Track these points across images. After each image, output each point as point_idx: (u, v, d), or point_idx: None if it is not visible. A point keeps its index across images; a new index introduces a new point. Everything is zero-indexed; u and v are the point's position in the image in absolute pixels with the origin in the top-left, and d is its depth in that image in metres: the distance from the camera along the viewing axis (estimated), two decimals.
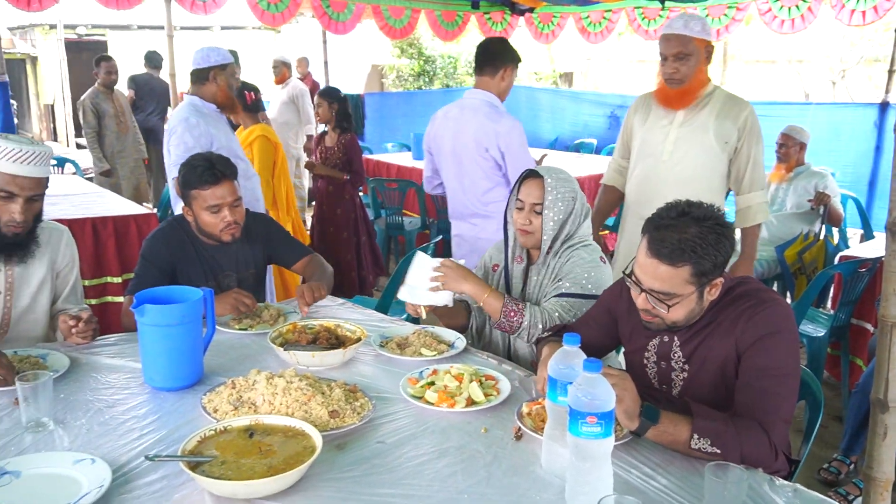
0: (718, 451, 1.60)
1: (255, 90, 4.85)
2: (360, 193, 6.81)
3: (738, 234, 3.24)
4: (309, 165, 5.45)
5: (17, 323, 2.38)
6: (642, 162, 3.27)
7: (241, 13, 7.68)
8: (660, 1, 7.40)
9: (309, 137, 7.67)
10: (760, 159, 3.17)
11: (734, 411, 1.73)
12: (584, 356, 1.52)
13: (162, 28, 7.29)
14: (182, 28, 13.60)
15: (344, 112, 5.35)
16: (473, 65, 3.52)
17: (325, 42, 8.36)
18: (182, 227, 2.66)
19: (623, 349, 2.11)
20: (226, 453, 1.58)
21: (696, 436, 1.61)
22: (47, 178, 2.28)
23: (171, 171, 3.43)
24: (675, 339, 1.86)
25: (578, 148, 8.10)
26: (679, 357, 1.86)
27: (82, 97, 6.83)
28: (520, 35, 9.34)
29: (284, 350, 2.16)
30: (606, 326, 2.09)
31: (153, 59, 7.93)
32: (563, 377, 1.56)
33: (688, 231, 1.70)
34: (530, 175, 2.40)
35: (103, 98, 6.79)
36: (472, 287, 2.30)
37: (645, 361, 1.95)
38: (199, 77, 3.57)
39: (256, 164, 4.42)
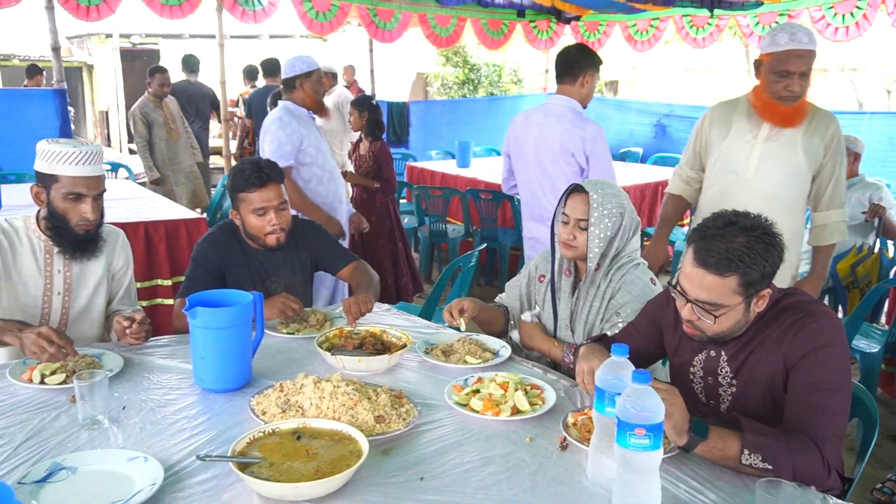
0: (770, 467, 1.57)
1: None
2: (403, 200, 6.86)
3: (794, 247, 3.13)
4: (343, 174, 5.46)
5: (74, 323, 2.45)
6: (723, 178, 3.08)
7: (289, 22, 7.84)
8: (709, 9, 7.30)
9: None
10: (843, 176, 3.03)
11: (784, 427, 1.70)
12: (633, 367, 1.51)
13: (212, 37, 7.49)
14: (232, 37, 13.90)
15: (375, 120, 5.35)
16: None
17: (371, 50, 8.47)
18: (232, 232, 2.71)
19: (668, 362, 2.08)
20: (274, 455, 1.60)
21: (746, 451, 1.58)
22: (104, 175, 2.38)
23: None
24: (723, 353, 1.83)
25: (624, 157, 8.03)
26: (727, 372, 1.83)
27: (133, 107, 6.93)
28: (565, 43, 9.33)
29: (331, 354, 2.19)
30: (650, 337, 2.07)
31: (190, 63, 7.91)
32: (610, 388, 1.55)
33: (735, 240, 1.68)
34: (576, 189, 2.36)
35: (153, 107, 6.87)
36: (539, 344, 2.41)
37: (691, 376, 1.92)
38: (288, 85, 3.88)
39: None
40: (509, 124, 3.72)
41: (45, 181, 2.29)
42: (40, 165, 2.29)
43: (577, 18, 8.88)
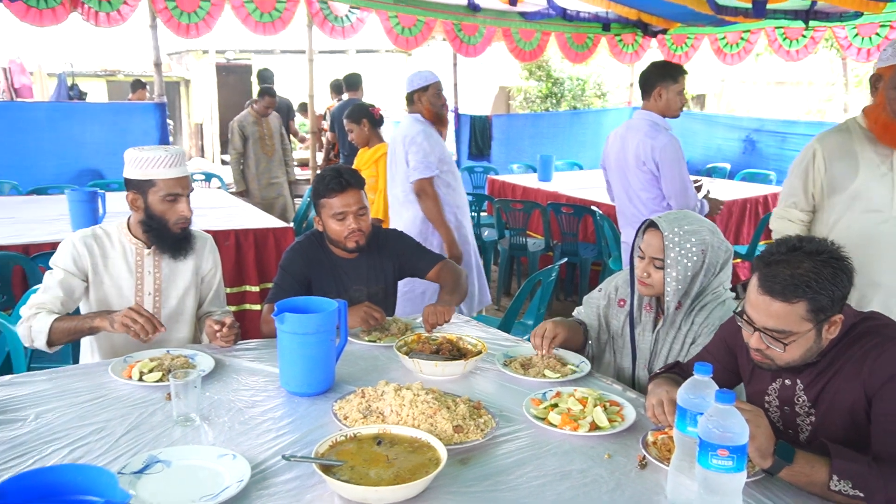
0: (861, 495, 1.51)
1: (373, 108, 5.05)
2: (484, 213, 6.88)
3: None
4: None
5: (166, 323, 2.57)
6: (861, 217, 2.70)
7: (375, 37, 8.02)
8: (803, 21, 7.06)
9: None
10: None
11: (872, 457, 1.62)
12: (716, 387, 1.48)
13: (302, 52, 7.74)
14: (320, 52, 14.31)
15: None
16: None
17: (455, 65, 8.56)
18: (318, 241, 2.80)
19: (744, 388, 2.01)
20: (355, 459, 1.65)
21: (835, 477, 1.52)
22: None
23: (412, 175, 3.99)
24: (798, 381, 1.76)
25: (710, 172, 7.82)
26: (804, 401, 1.76)
27: (234, 119, 7.07)
28: (651, 57, 9.19)
29: (408, 357, 2.24)
30: (725, 362, 1.99)
31: (265, 77, 8.08)
32: (692, 407, 1.52)
33: (801, 266, 1.61)
34: (653, 224, 2.25)
35: (252, 122, 7.00)
36: None
37: (766, 405, 1.85)
38: (409, 100, 4.16)
39: (382, 180, 4.62)
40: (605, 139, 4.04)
41: (140, 187, 2.43)
42: (134, 173, 2.42)
43: (664, 31, 8.74)
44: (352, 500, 1.54)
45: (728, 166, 7.95)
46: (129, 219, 2.55)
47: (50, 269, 2.46)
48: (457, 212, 4.17)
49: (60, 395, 2.05)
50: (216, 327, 2.41)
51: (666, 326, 2.29)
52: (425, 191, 3.99)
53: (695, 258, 2.18)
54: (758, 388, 1.87)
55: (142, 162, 2.40)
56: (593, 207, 5.44)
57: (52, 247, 2.80)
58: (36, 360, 3.07)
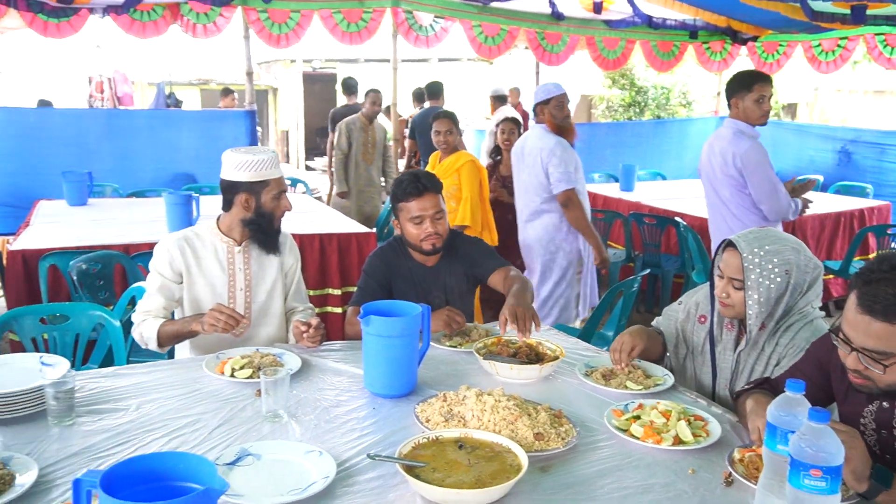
0: None
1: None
2: None
3: None
4: (496, 190, 5.26)
5: (257, 319, 2.68)
6: None
7: (457, 45, 8.10)
8: None
9: None
10: None
11: None
12: (809, 404, 1.44)
13: (386, 61, 7.89)
14: (403, 61, 14.54)
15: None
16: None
17: (537, 73, 8.54)
18: (400, 247, 2.84)
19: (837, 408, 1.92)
20: (437, 461, 1.67)
21: None
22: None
23: (557, 186, 4.21)
24: None
25: None
26: None
27: (342, 122, 7.07)
28: (740, 65, 8.94)
29: (485, 360, 2.27)
30: (816, 381, 1.89)
31: (350, 86, 8.12)
32: (784, 425, 1.48)
33: None
34: (731, 243, 2.16)
35: (359, 127, 7.01)
36: None
37: (862, 427, 1.77)
38: (535, 112, 4.38)
39: (466, 188, 4.65)
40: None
41: (253, 188, 2.55)
42: (247, 175, 2.53)
43: (755, 39, 8.50)
44: (433, 502, 1.56)
45: (821, 178, 7.64)
46: (218, 219, 2.66)
47: (149, 272, 2.62)
48: (591, 220, 4.43)
49: (158, 388, 2.16)
50: (303, 328, 2.49)
51: (748, 348, 2.20)
52: (572, 200, 4.21)
53: (778, 279, 2.08)
54: (852, 410, 1.80)
55: (255, 165, 2.53)
56: (677, 218, 5.33)
57: (150, 247, 2.96)
58: (134, 353, 3.23)
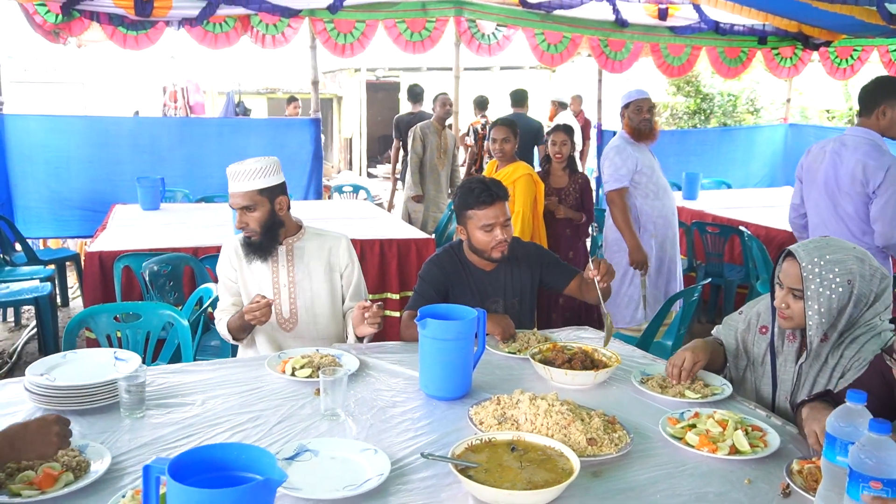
0: None
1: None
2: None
3: None
4: (553, 205, 4.90)
5: (305, 315, 2.78)
6: None
7: (519, 53, 8.11)
8: None
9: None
10: None
11: None
12: (870, 415, 1.41)
13: (449, 69, 7.95)
14: (465, 69, 14.61)
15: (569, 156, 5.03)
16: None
17: (600, 81, 8.48)
18: (457, 253, 2.88)
19: None
20: (489, 463, 1.70)
21: None
22: (258, 190, 2.66)
23: (605, 186, 4.48)
24: None
25: (875, 192, 7.26)
26: None
27: (417, 126, 7.08)
28: (812, 71, 8.69)
29: (541, 365, 2.29)
30: (880, 394, 1.83)
31: (414, 94, 8.12)
32: (843, 435, 1.45)
33: None
34: (791, 253, 2.10)
35: (433, 131, 7.03)
36: None
37: None
38: (620, 115, 4.61)
39: (519, 202, 4.56)
40: (803, 153, 3.84)
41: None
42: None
43: (827, 44, 8.24)
44: (484, 502, 1.59)
45: None
46: None
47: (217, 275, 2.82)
48: (658, 221, 4.54)
49: (223, 385, 2.25)
50: (362, 310, 2.55)
51: (810, 360, 2.14)
52: (613, 201, 4.43)
53: (840, 289, 2.02)
54: None
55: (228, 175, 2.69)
56: (741, 227, 5.22)
57: (217, 249, 3.09)
58: (201, 352, 3.36)
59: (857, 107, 3.68)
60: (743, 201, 6.55)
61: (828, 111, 13.88)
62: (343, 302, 2.87)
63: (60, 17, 6.05)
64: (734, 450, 1.82)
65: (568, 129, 4.97)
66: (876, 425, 1.32)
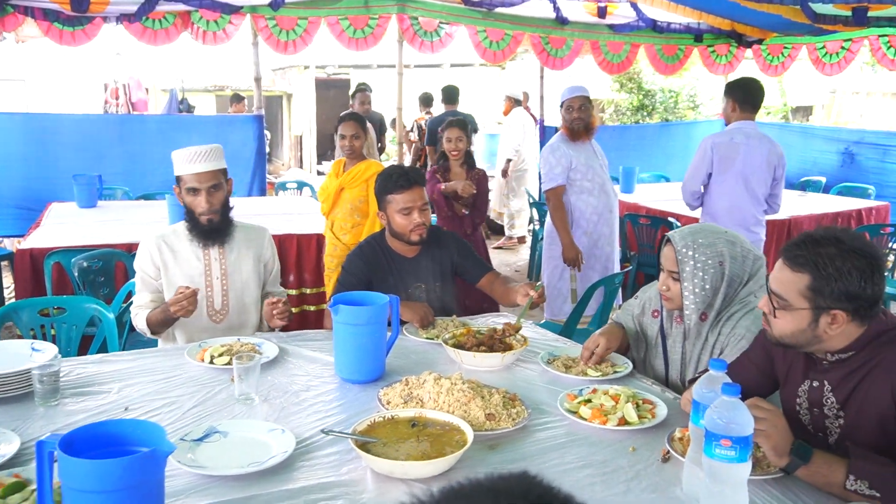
0: (878, 495, 1.51)
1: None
2: None
3: None
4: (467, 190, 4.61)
5: (235, 306, 2.83)
6: None
7: (469, 51, 8.20)
8: None
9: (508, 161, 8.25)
10: None
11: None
12: (728, 380, 1.53)
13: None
14: (416, 66, 14.65)
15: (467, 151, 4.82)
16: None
17: (542, 77, 8.62)
18: (379, 242, 2.96)
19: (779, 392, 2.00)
20: (388, 437, 1.78)
21: (852, 477, 1.53)
22: (223, 169, 2.74)
23: (543, 185, 4.62)
24: (826, 383, 1.77)
25: (804, 186, 7.55)
26: (832, 403, 1.76)
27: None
28: (746, 68, 8.96)
29: (452, 348, 2.38)
30: (763, 366, 2.00)
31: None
32: (706, 401, 1.57)
33: (823, 246, 1.66)
34: (669, 239, 2.26)
35: None
36: None
37: (797, 406, 1.86)
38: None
39: (375, 202, 4.29)
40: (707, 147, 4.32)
41: (177, 181, 2.76)
42: (174, 169, 2.75)
43: (760, 42, 8.52)
44: (381, 473, 1.67)
45: (823, 179, 7.65)
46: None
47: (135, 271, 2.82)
48: (592, 217, 4.62)
49: (141, 373, 2.30)
50: (270, 307, 2.66)
51: (692, 339, 2.28)
52: (549, 200, 4.56)
53: (712, 270, 2.17)
54: (790, 390, 1.89)
55: (176, 159, 2.73)
56: (670, 219, 5.40)
57: None
58: (131, 347, 3.36)
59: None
60: (677, 194, 6.72)
61: (765, 107, 14.30)
62: (264, 287, 2.94)
63: None
64: (623, 421, 1.93)
65: (462, 124, 4.73)
66: (727, 388, 1.44)
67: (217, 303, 2.81)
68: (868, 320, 1.69)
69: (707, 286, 2.17)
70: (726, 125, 4.32)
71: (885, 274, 1.73)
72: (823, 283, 1.64)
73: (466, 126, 4.80)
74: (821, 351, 1.76)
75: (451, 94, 7.88)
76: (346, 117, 4.53)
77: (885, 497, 1.50)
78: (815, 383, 1.79)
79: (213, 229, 2.75)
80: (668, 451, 1.78)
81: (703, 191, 4.36)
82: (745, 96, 4.22)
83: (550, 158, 4.55)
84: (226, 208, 2.79)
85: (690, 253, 2.18)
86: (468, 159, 4.74)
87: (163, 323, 2.69)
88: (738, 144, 4.17)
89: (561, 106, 4.64)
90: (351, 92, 8.60)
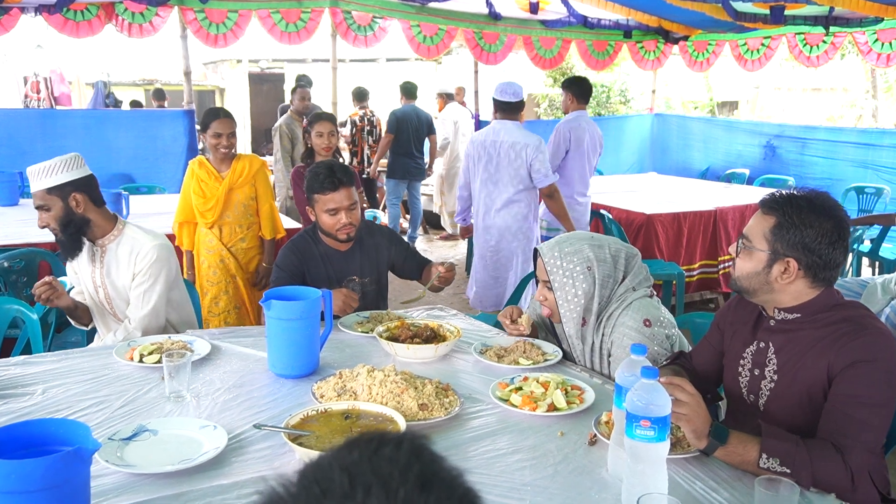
0: (788, 471, 1.60)
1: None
2: None
3: None
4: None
5: (116, 305, 2.79)
6: None
7: (403, 46, 8.21)
8: (824, 27, 7.06)
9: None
10: None
11: (817, 436, 1.72)
12: (648, 364, 1.59)
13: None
14: (351, 60, 14.56)
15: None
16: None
17: (476, 72, 8.68)
18: (311, 237, 2.95)
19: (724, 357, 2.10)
20: (321, 430, 1.79)
21: (764, 455, 1.62)
22: (47, 189, 2.58)
23: (545, 180, 4.56)
24: (771, 345, 1.87)
25: (730, 178, 7.83)
26: (773, 364, 1.87)
27: (278, 123, 6.88)
28: (673, 63, 9.22)
29: (386, 341, 2.41)
30: (717, 345, 2.10)
31: (303, 84, 8.20)
32: (628, 385, 1.63)
33: (798, 200, 1.78)
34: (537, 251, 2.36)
35: (297, 124, 6.77)
36: None
37: (740, 369, 1.96)
38: (502, 109, 4.73)
39: (267, 197, 4.13)
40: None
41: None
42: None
43: (686, 38, 8.78)
44: None
45: (747, 172, 7.94)
46: None
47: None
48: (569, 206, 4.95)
49: (67, 374, 2.24)
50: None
51: (579, 342, 2.34)
52: (558, 191, 4.63)
53: (581, 276, 2.25)
54: (736, 352, 1.98)
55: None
56: (602, 211, 5.53)
57: None
58: (58, 349, 3.27)
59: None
60: (609, 187, 6.90)
61: (692, 102, 14.75)
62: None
63: None
64: (552, 407, 1.99)
65: (332, 119, 4.50)
66: (646, 371, 1.50)
67: (108, 308, 2.85)
68: (820, 283, 1.80)
69: (579, 292, 2.25)
70: (565, 114, 5.38)
71: (848, 248, 1.84)
72: (785, 231, 1.77)
73: (335, 120, 4.54)
74: (769, 305, 1.87)
75: (409, 90, 7.88)
76: (221, 114, 3.97)
77: (794, 473, 1.59)
78: (762, 344, 1.90)
79: (60, 244, 2.71)
80: (595, 435, 1.84)
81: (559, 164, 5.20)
82: (581, 91, 5.28)
83: (548, 153, 4.72)
84: (64, 224, 2.60)
85: (558, 262, 2.27)
86: (337, 155, 4.50)
87: (67, 313, 2.85)
88: (583, 129, 5.18)
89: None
90: (290, 87, 8.48)
